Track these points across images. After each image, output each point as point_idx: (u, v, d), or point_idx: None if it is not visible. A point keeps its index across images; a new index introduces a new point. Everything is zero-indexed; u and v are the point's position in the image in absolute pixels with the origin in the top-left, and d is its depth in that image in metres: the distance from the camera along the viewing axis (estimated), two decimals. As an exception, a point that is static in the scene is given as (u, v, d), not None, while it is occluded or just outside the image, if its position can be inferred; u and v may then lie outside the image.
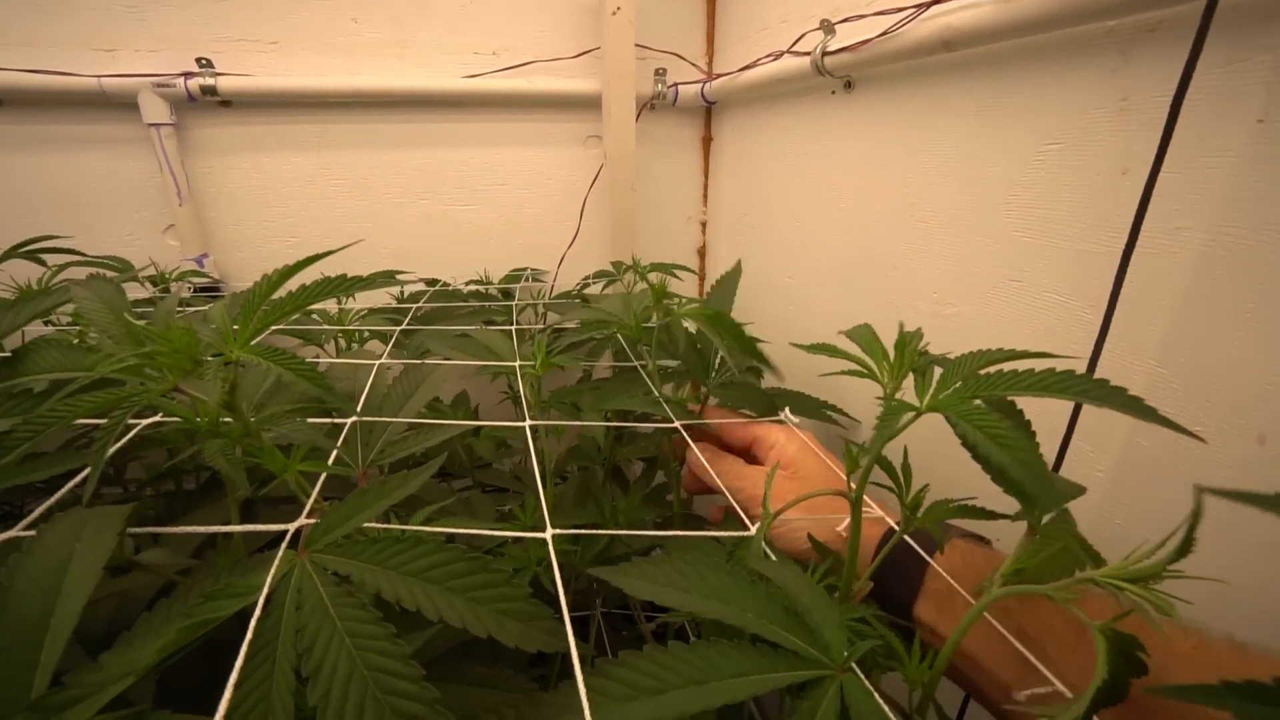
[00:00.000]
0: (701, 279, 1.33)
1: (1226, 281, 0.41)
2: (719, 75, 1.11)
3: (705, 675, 0.25)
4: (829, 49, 0.74)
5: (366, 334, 0.91)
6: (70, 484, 0.36)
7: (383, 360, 0.59)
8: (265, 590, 0.26)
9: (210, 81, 1.00)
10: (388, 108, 1.10)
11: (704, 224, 1.30)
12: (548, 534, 0.36)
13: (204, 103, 1.03)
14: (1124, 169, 0.47)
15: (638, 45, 1.08)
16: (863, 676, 0.27)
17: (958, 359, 0.33)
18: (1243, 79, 0.40)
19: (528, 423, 0.49)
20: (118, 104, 0.99)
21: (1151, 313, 0.46)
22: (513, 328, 0.73)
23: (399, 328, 0.80)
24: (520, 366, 0.60)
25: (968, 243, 0.63)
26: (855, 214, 0.80)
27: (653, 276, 0.82)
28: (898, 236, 0.72)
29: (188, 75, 1.00)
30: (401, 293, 1.10)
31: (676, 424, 0.55)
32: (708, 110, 1.21)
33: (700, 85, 1.13)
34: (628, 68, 1.07)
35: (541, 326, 0.97)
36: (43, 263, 0.78)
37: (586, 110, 1.16)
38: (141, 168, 1.04)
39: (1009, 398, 0.30)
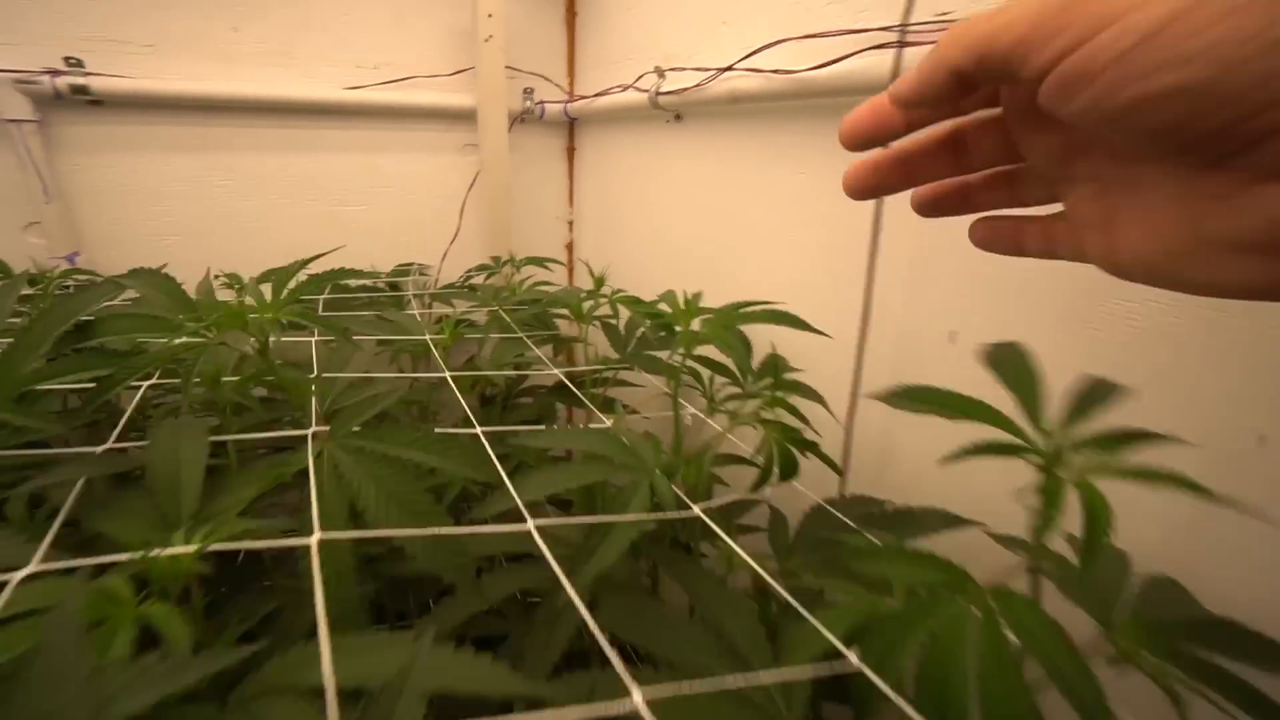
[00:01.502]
0: (570, 270, 1.52)
1: (930, 260, 0.69)
2: (579, 97, 1.32)
3: (581, 475, 0.45)
4: (661, 90, 0.97)
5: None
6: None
7: (318, 339, 0.72)
8: (310, 458, 0.42)
9: (81, 81, 1.02)
10: (273, 114, 1.17)
11: (570, 223, 1.49)
12: (477, 430, 0.54)
13: (72, 101, 1.04)
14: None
15: (508, 67, 1.25)
16: (665, 478, 0.48)
17: (721, 309, 0.56)
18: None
19: (448, 374, 0.66)
20: (-29, 99, 0.99)
21: (891, 285, 0.72)
22: (415, 312, 0.88)
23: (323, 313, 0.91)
24: (432, 339, 0.76)
25: (768, 243, 0.88)
26: (688, 220, 1.04)
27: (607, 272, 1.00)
28: (718, 239, 0.97)
29: (55, 73, 1.01)
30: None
31: (556, 372, 0.75)
32: (570, 125, 1.41)
33: (564, 104, 1.33)
34: (500, 87, 1.24)
35: (433, 314, 1.11)
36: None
37: (463, 122, 1.30)
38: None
39: (738, 326, 0.54)
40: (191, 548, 0.33)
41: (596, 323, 0.88)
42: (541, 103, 1.34)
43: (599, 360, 0.83)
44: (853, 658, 0.30)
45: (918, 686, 0.29)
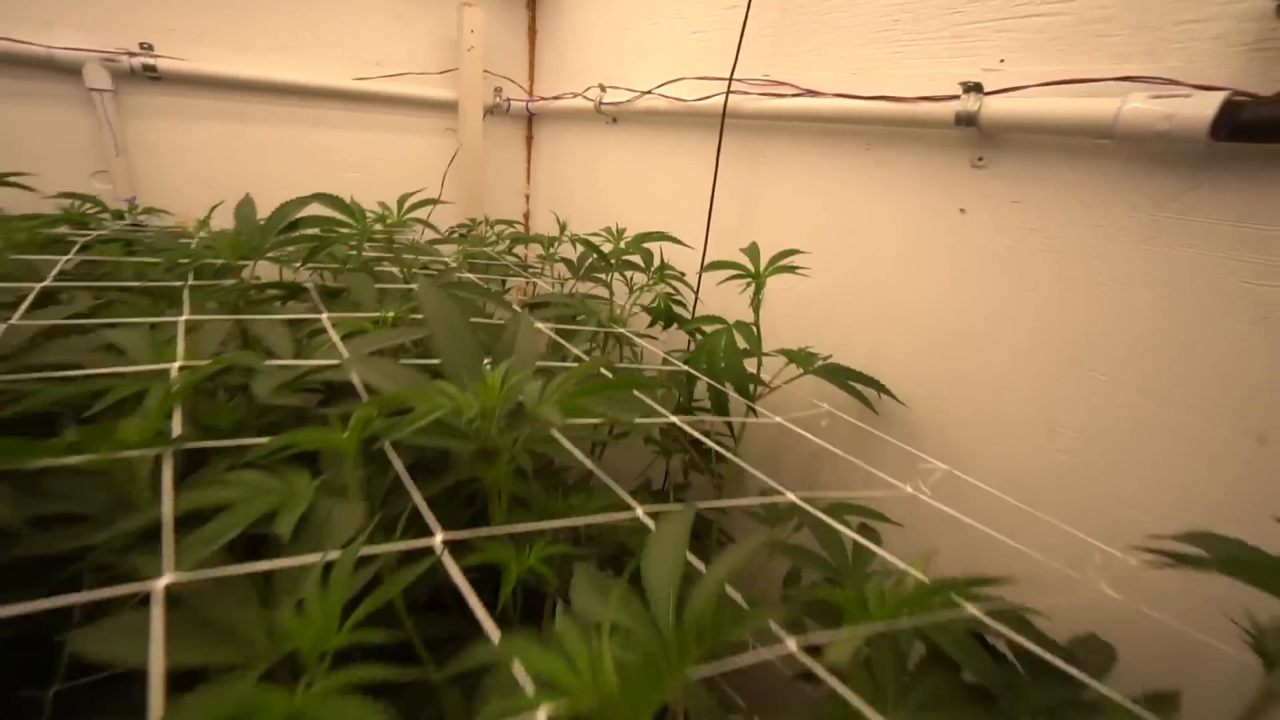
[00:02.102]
0: (527, 230, 1.89)
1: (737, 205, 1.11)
2: (538, 98, 1.69)
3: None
4: (603, 101, 1.36)
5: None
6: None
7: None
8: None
9: (151, 61, 1.31)
10: (292, 95, 1.49)
11: (527, 196, 1.87)
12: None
13: (140, 77, 1.33)
14: (708, 174, 1.15)
15: (484, 71, 1.61)
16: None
17: (634, 236, 0.97)
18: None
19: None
20: (63, 70, 1.26)
21: (719, 218, 1.15)
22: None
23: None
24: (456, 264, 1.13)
25: (683, 216, 1.29)
26: (626, 201, 1.44)
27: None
28: (636, 200, 1.38)
29: (130, 54, 1.30)
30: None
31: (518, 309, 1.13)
32: (530, 119, 1.78)
33: (526, 103, 1.70)
34: (477, 86, 1.60)
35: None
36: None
37: (446, 110, 1.65)
38: (76, 123, 1.31)
39: (644, 245, 0.95)
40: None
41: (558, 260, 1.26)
42: (509, 100, 1.70)
43: (557, 285, 1.22)
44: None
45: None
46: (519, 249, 1.38)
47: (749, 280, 0.74)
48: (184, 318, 0.60)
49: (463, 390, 0.43)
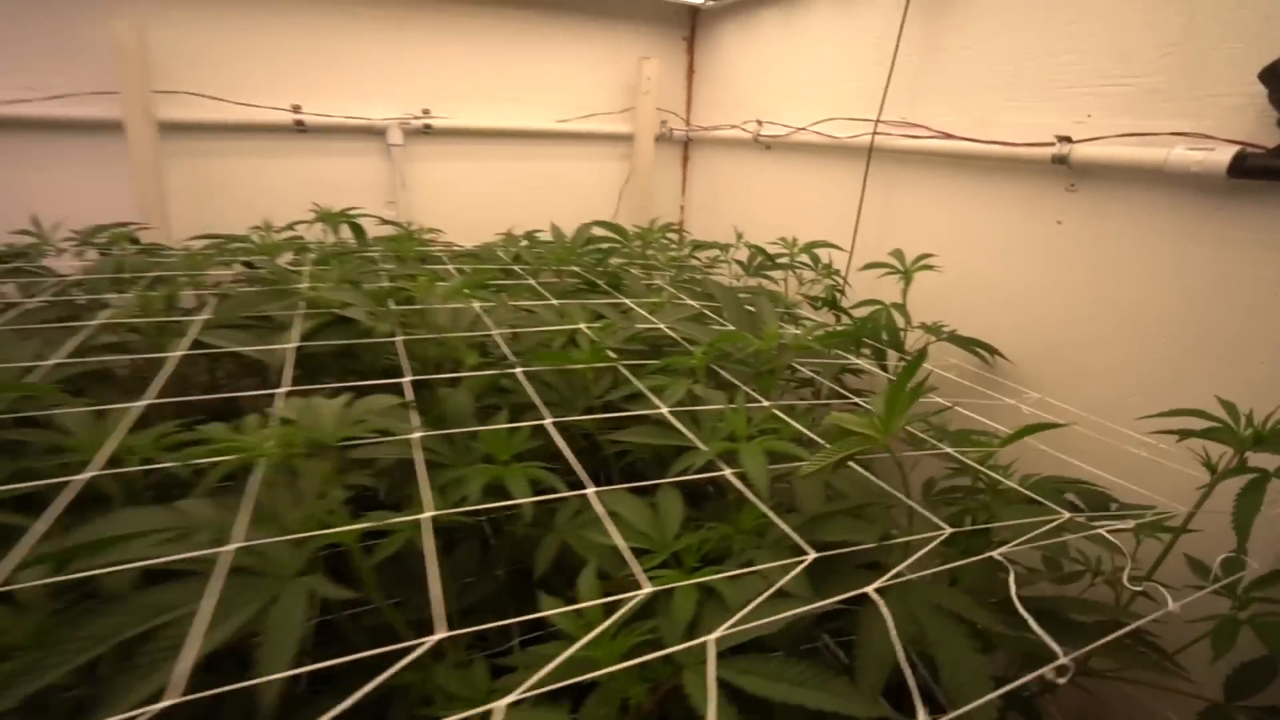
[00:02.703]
0: (681, 236, 2.29)
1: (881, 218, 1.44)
2: (696, 127, 2.09)
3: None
4: (761, 133, 1.73)
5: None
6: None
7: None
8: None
9: (430, 122, 1.82)
10: (517, 137, 1.97)
11: (682, 206, 2.27)
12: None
13: (419, 132, 1.85)
14: (847, 193, 1.49)
15: (657, 109, 2.02)
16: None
17: (799, 245, 1.33)
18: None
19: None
20: (376, 132, 1.79)
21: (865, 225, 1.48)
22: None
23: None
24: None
25: (826, 227, 1.64)
26: (776, 212, 1.80)
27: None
28: (794, 225, 1.73)
29: (416, 118, 1.82)
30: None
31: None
32: (686, 144, 2.18)
33: (685, 131, 2.10)
34: (650, 121, 2.01)
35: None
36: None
37: (624, 141, 2.08)
38: (377, 168, 1.84)
39: (813, 249, 1.31)
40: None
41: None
42: (671, 129, 2.10)
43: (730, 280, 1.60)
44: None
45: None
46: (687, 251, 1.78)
47: (899, 274, 1.09)
48: (553, 301, 1.04)
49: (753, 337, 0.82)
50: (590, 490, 0.55)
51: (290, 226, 1.32)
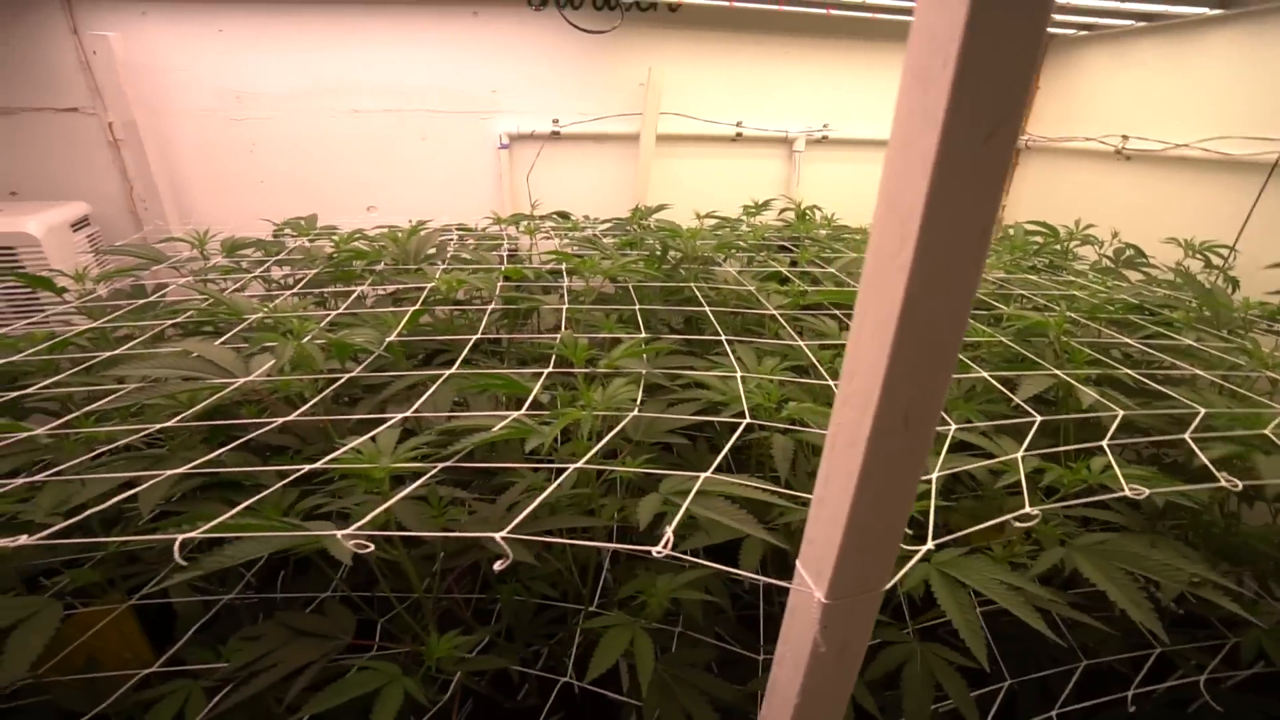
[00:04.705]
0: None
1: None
2: (1032, 137, 2.43)
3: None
4: (1125, 147, 2.05)
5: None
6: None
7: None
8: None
9: (826, 133, 2.35)
10: (869, 145, 2.44)
11: (1003, 205, 2.62)
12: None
13: (815, 141, 2.38)
14: (1222, 205, 1.77)
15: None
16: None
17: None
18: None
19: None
20: (787, 143, 2.36)
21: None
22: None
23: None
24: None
25: (1192, 233, 1.93)
26: (1135, 222, 2.10)
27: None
28: (1157, 230, 2.03)
29: (816, 130, 2.35)
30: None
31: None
32: (1016, 151, 2.52)
33: (1024, 139, 2.45)
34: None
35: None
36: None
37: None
38: (780, 168, 2.40)
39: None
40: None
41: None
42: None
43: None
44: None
45: None
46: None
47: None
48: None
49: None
50: None
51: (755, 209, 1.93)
